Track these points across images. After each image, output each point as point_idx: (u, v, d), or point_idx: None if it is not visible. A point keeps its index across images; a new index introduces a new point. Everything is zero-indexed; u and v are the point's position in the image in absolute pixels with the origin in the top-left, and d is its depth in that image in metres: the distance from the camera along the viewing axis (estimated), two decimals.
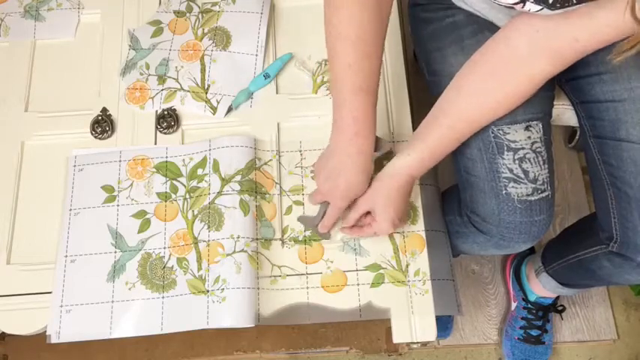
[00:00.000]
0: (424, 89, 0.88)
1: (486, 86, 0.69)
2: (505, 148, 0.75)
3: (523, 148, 0.75)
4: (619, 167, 0.75)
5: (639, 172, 0.74)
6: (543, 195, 0.76)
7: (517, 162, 0.75)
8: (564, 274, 1.04)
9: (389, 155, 0.78)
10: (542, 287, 1.13)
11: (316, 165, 0.78)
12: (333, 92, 0.70)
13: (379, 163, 0.77)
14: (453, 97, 0.72)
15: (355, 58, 0.66)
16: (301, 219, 0.81)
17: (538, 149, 0.76)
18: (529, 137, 0.75)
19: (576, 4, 0.57)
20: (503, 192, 0.75)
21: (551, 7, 0.58)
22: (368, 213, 0.77)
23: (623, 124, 0.74)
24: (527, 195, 0.75)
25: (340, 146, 0.71)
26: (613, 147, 0.76)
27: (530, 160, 0.75)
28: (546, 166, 0.76)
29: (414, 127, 0.87)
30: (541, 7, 0.59)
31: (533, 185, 0.75)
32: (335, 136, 0.72)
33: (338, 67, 0.67)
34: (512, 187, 0.75)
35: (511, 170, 0.75)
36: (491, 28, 0.79)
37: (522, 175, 0.75)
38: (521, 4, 0.60)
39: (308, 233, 0.80)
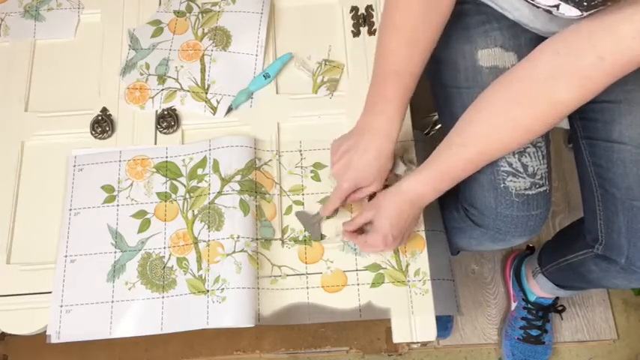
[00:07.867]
0: (424, 89, 0.87)
1: (505, 105, 0.66)
2: None
3: None
4: (608, 169, 0.76)
5: (627, 173, 0.74)
6: (541, 190, 0.76)
7: (517, 156, 0.75)
8: (558, 276, 1.04)
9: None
10: (539, 288, 1.13)
11: (334, 142, 0.78)
12: (372, 76, 0.73)
13: None
14: (471, 116, 0.69)
15: (397, 44, 0.69)
16: (299, 214, 0.82)
17: (538, 144, 0.76)
18: None
19: (602, 3, 0.54)
20: (502, 185, 0.75)
21: (578, 5, 0.56)
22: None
23: (617, 125, 0.75)
24: (525, 189, 0.75)
25: (364, 123, 0.74)
26: (604, 148, 0.76)
27: (530, 155, 0.75)
28: (545, 161, 0.76)
29: (414, 127, 0.87)
30: (573, 9, 0.57)
31: (532, 179, 0.75)
32: (362, 116, 0.75)
33: (380, 50, 0.71)
34: (511, 180, 0.75)
35: (510, 164, 0.75)
36: (500, 20, 0.79)
37: (521, 169, 0.75)
38: (556, 8, 0.60)
39: (308, 234, 0.80)
